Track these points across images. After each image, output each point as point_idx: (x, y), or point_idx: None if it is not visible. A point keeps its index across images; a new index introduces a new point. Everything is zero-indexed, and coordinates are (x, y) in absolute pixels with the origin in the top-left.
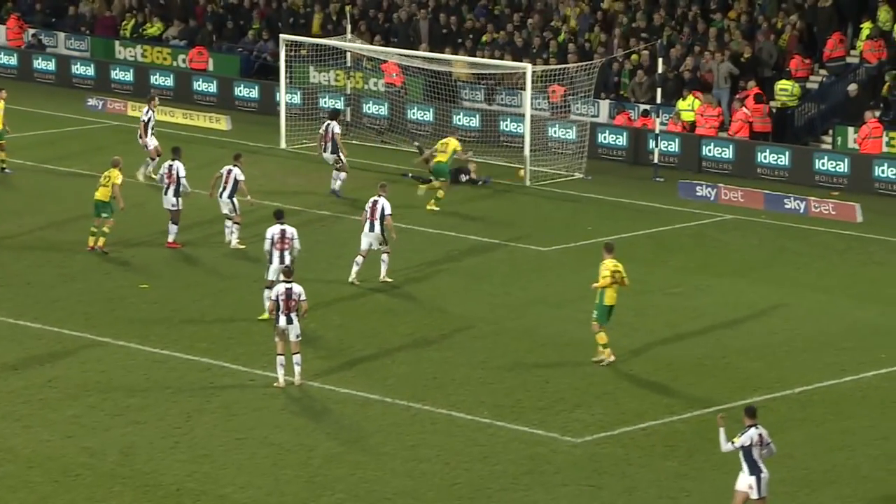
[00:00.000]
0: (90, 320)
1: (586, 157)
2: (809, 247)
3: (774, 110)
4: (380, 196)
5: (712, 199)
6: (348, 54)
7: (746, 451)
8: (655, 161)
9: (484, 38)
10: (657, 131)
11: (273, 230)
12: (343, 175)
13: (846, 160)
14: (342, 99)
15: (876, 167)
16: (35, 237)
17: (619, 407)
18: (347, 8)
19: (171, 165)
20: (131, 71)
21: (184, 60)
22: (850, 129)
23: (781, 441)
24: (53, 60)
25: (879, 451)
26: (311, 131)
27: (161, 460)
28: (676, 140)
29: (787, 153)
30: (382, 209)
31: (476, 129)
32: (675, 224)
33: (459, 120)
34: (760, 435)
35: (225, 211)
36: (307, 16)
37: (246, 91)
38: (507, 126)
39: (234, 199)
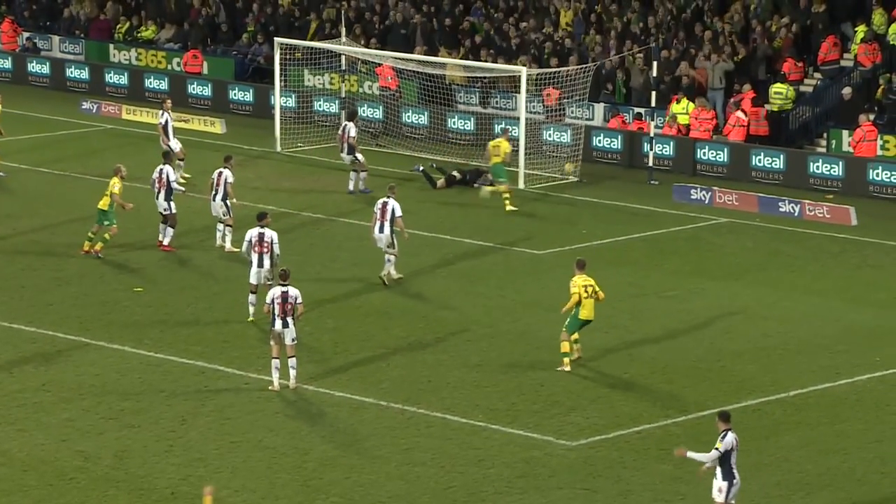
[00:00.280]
0: (84, 324)
1: (580, 159)
2: (804, 250)
3: (769, 113)
4: (389, 197)
5: (707, 202)
6: (343, 57)
7: (726, 456)
8: (650, 164)
9: (478, 41)
10: (652, 134)
11: (252, 233)
12: (364, 174)
13: (840, 163)
14: (336, 102)
15: (870, 170)
16: (29, 240)
17: (613, 410)
18: (343, 8)
19: (161, 169)
20: (126, 74)
21: (178, 64)
22: (845, 133)
23: (776, 444)
24: (48, 64)
25: (874, 454)
26: (306, 134)
27: (155, 464)
28: (671, 143)
29: (781, 156)
30: (393, 210)
31: (471, 133)
32: (670, 227)
33: (454, 123)
34: (736, 439)
35: (218, 214)
36: (304, 24)
37: (240, 94)
38: (501, 129)
39: (227, 202)
